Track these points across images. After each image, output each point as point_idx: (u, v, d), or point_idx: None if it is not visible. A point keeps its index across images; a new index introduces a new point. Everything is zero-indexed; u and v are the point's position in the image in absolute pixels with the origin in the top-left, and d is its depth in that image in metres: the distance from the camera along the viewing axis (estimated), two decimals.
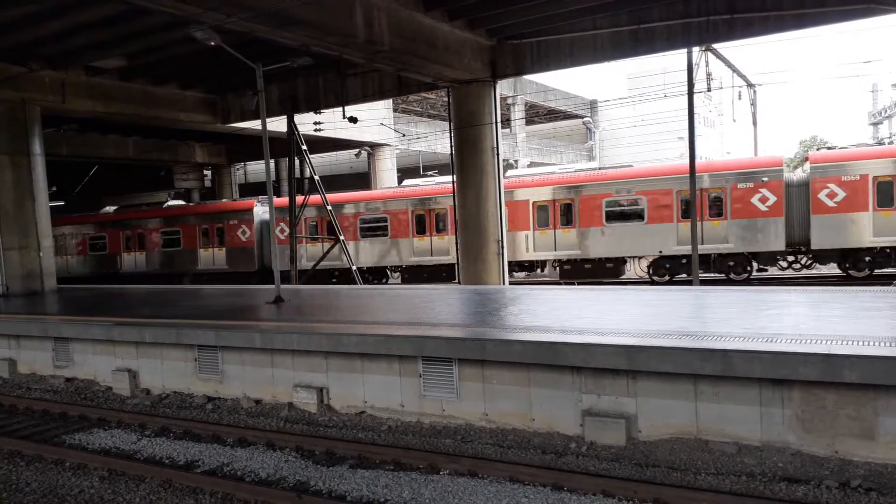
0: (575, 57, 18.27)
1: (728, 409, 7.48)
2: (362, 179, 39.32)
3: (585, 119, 55.10)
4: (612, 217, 23.41)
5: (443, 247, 26.08)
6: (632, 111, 48.93)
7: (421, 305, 12.83)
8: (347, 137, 31.36)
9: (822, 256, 21.61)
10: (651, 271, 23.50)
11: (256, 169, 49.55)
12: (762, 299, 11.12)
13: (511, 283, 21.44)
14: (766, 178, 21.52)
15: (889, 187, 20.06)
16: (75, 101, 21.32)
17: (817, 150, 28.23)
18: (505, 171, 23.07)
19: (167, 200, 39.29)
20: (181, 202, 37.92)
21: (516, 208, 24.66)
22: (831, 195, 20.63)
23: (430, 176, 35.49)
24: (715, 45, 23.70)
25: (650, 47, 17.33)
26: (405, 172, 43.30)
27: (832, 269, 23.09)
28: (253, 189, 45.02)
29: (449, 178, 23.19)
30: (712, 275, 22.43)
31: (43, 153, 21.08)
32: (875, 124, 49.07)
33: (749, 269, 22.15)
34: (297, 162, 24.92)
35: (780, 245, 21.42)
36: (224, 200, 33.99)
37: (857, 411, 6.89)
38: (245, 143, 34.36)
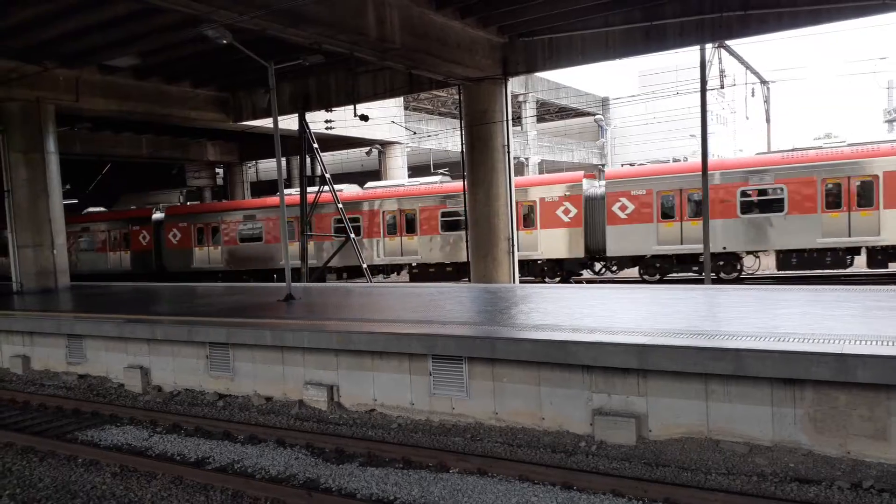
0: (587, 54, 18.18)
1: (739, 409, 7.43)
2: (373, 177, 39.36)
3: (597, 116, 54.88)
4: (448, 227, 25.73)
5: (531, 242, 24.15)
6: (644, 109, 48.69)
7: (431, 303, 12.84)
8: (358, 135, 31.42)
9: (618, 263, 23.92)
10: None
11: (268, 167, 49.74)
12: (774, 298, 11.04)
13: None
14: (568, 193, 24.04)
15: (670, 201, 22.30)
16: (89, 99, 21.49)
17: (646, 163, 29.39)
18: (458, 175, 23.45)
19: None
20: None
21: (373, 217, 27.13)
22: (622, 208, 23.00)
23: (442, 174, 35.46)
24: (728, 42, 23.54)
25: (662, 44, 17.22)
26: (416, 170, 43.32)
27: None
28: (265, 187, 45.20)
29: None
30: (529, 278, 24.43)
31: (57, 151, 21.27)
32: (890, 121, 48.56)
33: (560, 273, 24.54)
34: (308, 160, 25.00)
35: (580, 252, 23.84)
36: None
37: (870, 411, 6.82)
38: (257, 141, 34.51)
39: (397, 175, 37.94)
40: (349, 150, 39.41)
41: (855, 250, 20.61)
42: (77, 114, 23.57)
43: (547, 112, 52.50)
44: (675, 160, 28.60)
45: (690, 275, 22.38)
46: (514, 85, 33.71)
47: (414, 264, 26.33)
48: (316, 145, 24.22)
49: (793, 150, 22.01)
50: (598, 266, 25.11)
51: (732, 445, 7.39)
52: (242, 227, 30.41)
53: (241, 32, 14.28)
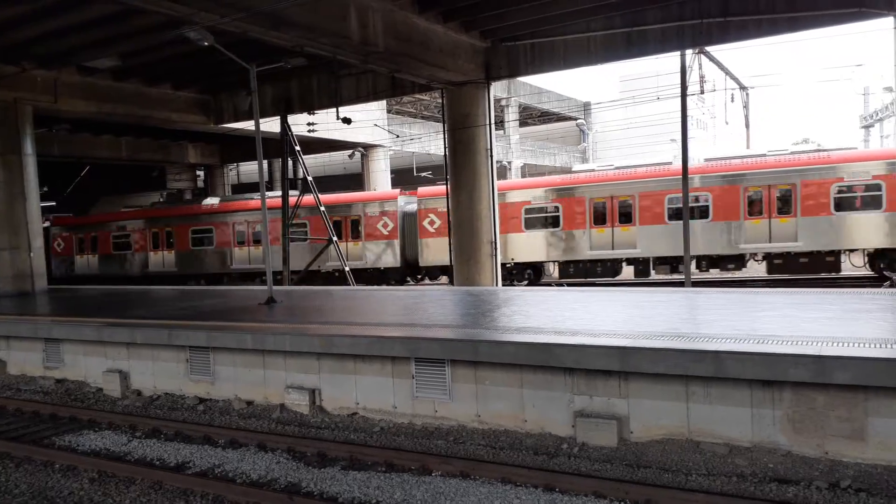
0: (568, 59, 18.30)
1: (719, 411, 7.50)
2: (356, 180, 39.29)
3: (579, 121, 55.22)
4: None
5: (629, 239, 22.78)
6: (625, 113, 49.07)
7: (414, 306, 12.82)
8: (341, 138, 31.32)
9: (430, 271, 25.92)
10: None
11: (250, 169, 49.43)
12: (754, 300, 11.16)
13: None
14: (386, 208, 26.41)
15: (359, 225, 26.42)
16: (68, 100, 21.22)
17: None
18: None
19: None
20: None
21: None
22: (431, 223, 25.48)
23: (426, 176, 35.54)
24: (708, 48, 23.81)
25: (643, 50, 17.38)
26: (399, 174, 43.28)
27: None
28: (246, 190, 44.91)
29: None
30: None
31: (34, 153, 20.98)
32: (866, 127, 49.37)
33: (409, 279, 26.43)
34: (290, 162, 24.87)
35: (397, 262, 26.15)
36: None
37: (848, 412, 6.92)
38: (238, 143, 34.28)
39: (380, 178, 37.88)
40: (331, 153, 39.31)
41: (777, 256, 21.30)
42: (55, 115, 23.30)
43: (529, 116, 52.73)
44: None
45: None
46: (497, 89, 33.89)
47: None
48: (298, 148, 24.12)
49: (720, 158, 22.97)
50: (417, 275, 27.06)
51: (713, 446, 7.45)
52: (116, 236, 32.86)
53: (223, 35, 14.19)
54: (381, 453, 7.93)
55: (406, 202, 26.69)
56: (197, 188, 42.30)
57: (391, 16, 15.80)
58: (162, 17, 14.46)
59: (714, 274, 22.97)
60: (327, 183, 35.73)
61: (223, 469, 7.89)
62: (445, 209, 22.67)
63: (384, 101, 35.83)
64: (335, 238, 24.69)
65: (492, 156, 19.78)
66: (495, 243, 19.96)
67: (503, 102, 45.09)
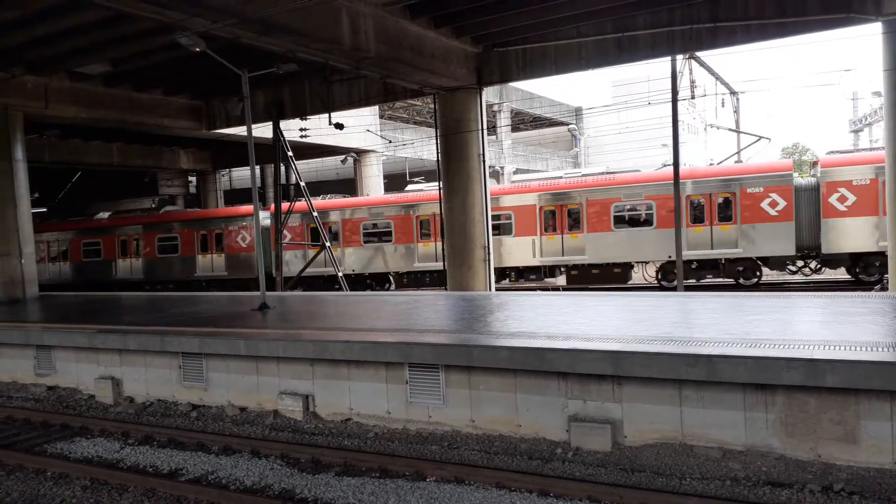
0: (560, 64, 18.37)
1: (712, 414, 7.54)
2: (348, 185, 39.26)
3: (571, 126, 55.43)
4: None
5: (731, 238, 22.17)
6: (616, 118, 49.26)
7: (407, 312, 12.82)
8: (333, 144, 31.29)
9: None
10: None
11: (242, 175, 49.33)
12: (745, 305, 11.22)
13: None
14: (244, 223, 29.15)
15: (371, 226, 26.78)
16: (58, 106, 21.11)
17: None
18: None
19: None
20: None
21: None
22: (284, 236, 26.64)
23: (416, 182, 35.53)
24: (698, 54, 23.99)
25: (634, 55, 17.47)
26: (391, 179, 43.28)
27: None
28: (239, 195, 44.82)
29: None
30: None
31: (25, 159, 20.86)
32: (855, 132, 49.77)
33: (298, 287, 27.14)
34: (282, 168, 24.84)
35: (253, 274, 27.39)
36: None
37: (840, 415, 6.96)
38: (230, 149, 34.20)
39: (373, 184, 37.86)
40: (324, 158, 39.26)
41: (713, 262, 22.25)
42: (46, 121, 23.16)
43: (521, 121, 52.88)
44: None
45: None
46: (489, 94, 33.92)
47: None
48: (290, 153, 24.09)
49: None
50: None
51: (706, 450, 7.48)
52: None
53: (215, 40, 14.17)
54: (376, 459, 7.92)
55: (266, 217, 27.46)
56: (189, 194, 42.16)
57: (383, 21, 15.83)
58: (153, 23, 14.42)
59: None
60: (318, 189, 35.60)
61: (217, 476, 7.86)
62: (295, 224, 26.61)
63: (377, 107, 35.86)
64: (328, 244, 24.65)
65: (484, 161, 19.81)
66: (488, 248, 19.98)
67: (495, 108, 45.20)
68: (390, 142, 38.17)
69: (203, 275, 30.39)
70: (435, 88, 19.44)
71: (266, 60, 16.06)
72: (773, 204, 21.18)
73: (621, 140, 50.60)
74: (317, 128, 25.39)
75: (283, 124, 23.99)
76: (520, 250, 24.19)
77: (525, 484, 6.96)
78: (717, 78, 32.33)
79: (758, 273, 22.03)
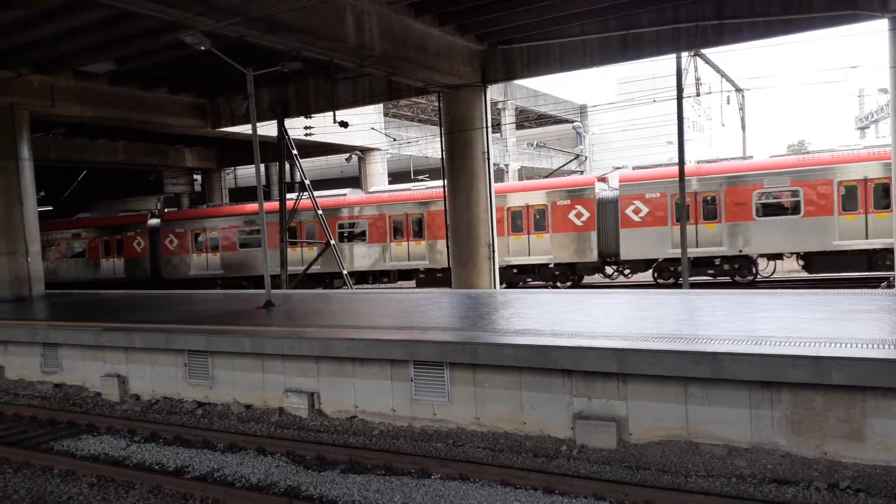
0: (564, 62, 18.35)
1: (718, 412, 7.52)
2: (353, 183, 39.27)
3: (575, 123, 55.31)
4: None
5: (545, 246, 24.25)
6: (621, 116, 49.13)
7: (412, 310, 12.83)
8: (338, 142, 31.32)
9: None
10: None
11: (247, 173, 49.39)
12: (751, 302, 11.19)
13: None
14: (139, 229, 32.42)
15: (296, 232, 27.97)
16: (64, 105, 21.18)
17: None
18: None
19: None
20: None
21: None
22: (171, 241, 31.37)
23: (422, 180, 35.60)
24: (703, 51, 23.87)
25: (639, 53, 17.44)
26: (396, 177, 43.28)
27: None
28: (243, 194, 44.87)
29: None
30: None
31: (31, 158, 20.93)
32: (862, 128, 49.52)
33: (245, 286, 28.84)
34: (287, 166, 24.86)
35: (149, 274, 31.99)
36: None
37: (846, 413, 6.94)
38: (235, 147, 34.23)
39: (377, 182, 37.88)
40: (328, 157, 39.29)
41: (533, 268, 24.44)
42: (52, 120, 23.24)
43: (526, 119, 52.79)
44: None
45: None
46: (493, 92, 33.89)
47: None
48: (295, 151, 24.11)
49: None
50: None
51: (712, 448, 7.47)
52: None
53: (219, 39, 14.19)
54: (381, 456, 7.93)
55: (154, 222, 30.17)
56: (194, 192, 42.23)
57: (387, 19, 15.83)
58: (157, 22, 14.46)
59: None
60: (323, 187, 35.64)
61: (222, 473, 7.89)
62: (182, 230, 29.92)
63: (381, 105, 35.85)
64: (333, 242, 24.67)
65: (489, 158, 19.81)
66: (493, 246, 19.98)
67: (500, 105, 45.14)
68: (395, 140, 38.17)
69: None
70: (439, 86, 19.44)
71: (271, 59, 16.07)
72: (579, 215, 23.42)
73: (626, 137, 50.50)
74: (321, 126, 25.43)
75: (288, 122, 24.02)
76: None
77: (530, 481, 6.96)
78: (723, 75, 32.17)
79: (573, 279, 24.25)
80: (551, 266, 24.06)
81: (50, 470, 8.38)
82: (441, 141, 20.37)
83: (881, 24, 15.58)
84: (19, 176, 20.41)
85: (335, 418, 9.93)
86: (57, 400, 12.33)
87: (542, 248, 24.03)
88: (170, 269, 31.71)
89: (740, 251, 21.29)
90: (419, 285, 26.35)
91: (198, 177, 41.99)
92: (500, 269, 21.42)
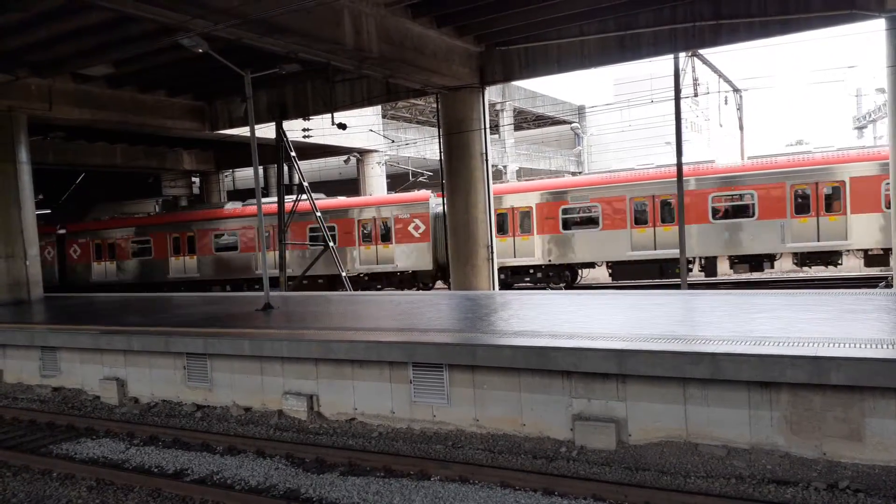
0: (562, 63, 18.37)
1: (717, 412, 7.52)
2: (352, 185, 39.28)
3: (573, 125, 55.34)
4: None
5: (389, 255, 26.11)
6: (619, 116, 49.17)
7: (411, 311, 12.83)
8: (336, 144, 31.34)
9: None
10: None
11: (245, 175, 49.36)
12: (749, 302, 11.20)
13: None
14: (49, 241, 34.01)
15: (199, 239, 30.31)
16: (62, 108, 21.18)
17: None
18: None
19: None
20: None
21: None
22: (74, 251, 33.59)
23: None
24: (701, 51, 23.90)
25: (637, 53, 17.45)
26: (395, 178, 43.30)
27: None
28: (242, 196, 44.85)
29: None
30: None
31: (29, 161, 20.93)
32: (859, 128, 49.59)
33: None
34: (285, 168, 24.86)
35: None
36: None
37: (845, 413, 6.95)
38: (234, 149, 34.24)
39: (376, 183, 37.87)
40: (327, 158, 39.28)
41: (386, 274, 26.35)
42: (50, 123, 23.24)
43: (524, 120, 52.83)
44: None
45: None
46: (492, 93, 33.95)
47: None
48: (294, 153, 24.11)
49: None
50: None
51: (711, 448, 7.47)
52: None
53: (217, 41, 14.21)
54: (380, 458, 7.92)
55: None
56: (193, 194, 42.21)
57: (385, 21, 15.84)
58: (155, 25, 14.48)
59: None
60: (321, 189, 35.65)
61: (222, 476, 7.88)
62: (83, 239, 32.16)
63: (379, 107, 35.87)
64: (332, 244, 24.67)
65: (487, 160, 19.82)
66: (491, 247, 19.99)
67: (498, 107, 45.17)
68: (393, 141, 38.18)
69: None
70: (437, 88, 19.45)
71: (269, 61, 16.08)
72: (417, 227, 25.57)
73: (624, 138, 50.53)
74: (320, 128, 25.41)
75: (286, 124, 24.02)
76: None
77: (529, 483, 6.96)
78: (720, 75, 32.23)
79: (417, 286, 25.97)
80: (398, 273, 26.34)
81: (49, 473, 8.38)
82: (439, 142, 20.38)
83: (878, 24, 15.61)
84: (17, 179, 20.40)
85: (334, 420, 9.93)
86: (56, 403, 12.32)
87: (387, 257, 26.22)
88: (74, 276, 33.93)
89: (549, 261, 23.74)
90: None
91: (196, 179, 41.96)
92: (350, 277, 24.72)
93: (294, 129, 25.49)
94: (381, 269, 26.37)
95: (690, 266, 21.99)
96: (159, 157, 34.76)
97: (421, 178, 41.08)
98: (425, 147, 40.51)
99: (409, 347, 9.23)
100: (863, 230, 19.87)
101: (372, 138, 35.54)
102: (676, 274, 22.03)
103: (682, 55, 18.58)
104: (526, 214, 24.00)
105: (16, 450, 9.26)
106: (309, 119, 23.82)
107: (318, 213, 24.59)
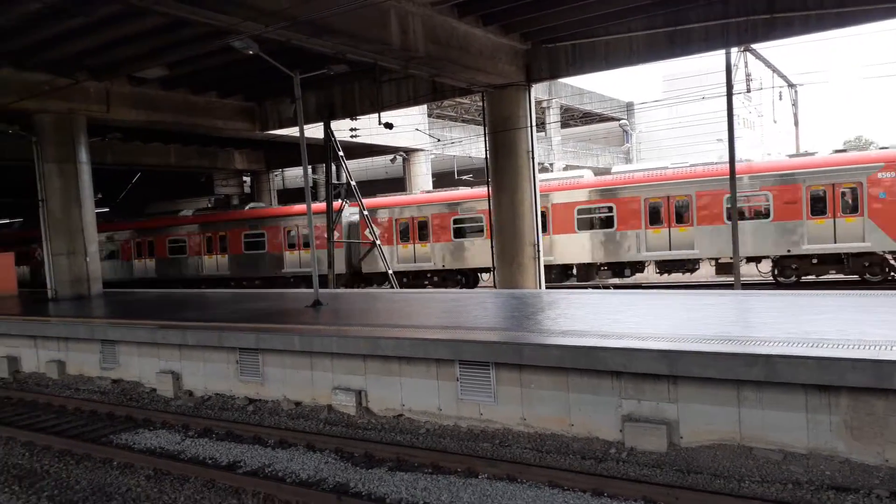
0: (610, 59, 18.12)
1: (772, 416, 7.34)
2: (398, 184, 39.53)
3: (622, 122, 54.56)
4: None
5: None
6: (669, 113, 48.30)
7: (457, 310, 12.85)
8: (383, 143, 31.60)
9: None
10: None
11: (294, 174, 50.11)
12: (804, 303, 10.88)
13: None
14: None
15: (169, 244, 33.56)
16: (119, 110, 21.87)
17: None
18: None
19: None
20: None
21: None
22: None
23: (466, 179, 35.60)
24: (754, 46, 23.27)
25: (686, 49, 17.09)
26: (440, 177, 43.41)
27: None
28: (291, 195, 45.58)
29: None
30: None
31: (89, 161, 21.67)
32: None
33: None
34: (333, 168, 25.18)
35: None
36: None
37: None
38: (283, 149, 34.81)
39: (422, 182, 38.02)
40: (374, 158, 39.61)
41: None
42: (108, 124, 24.01)
43: (571, 117, 52.34)
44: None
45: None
46: (538, 91, 33.67)
47: None
48: (341, 153, 24.40)
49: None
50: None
51: (766, 452, 7.29)
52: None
53: (266, 43, 14.46)
54: (428, 455, 7.97)
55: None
56: (244, 193, 43.08)
57: (431, 20, 15.89)
58: (207, 28, 14.82)
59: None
60: (368, 188, 36.00)
61: (273, 468, 8.04)
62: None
63: (425, 106, 36.00)
64: (379, 242, 24.89)
65: (533, 157, 19.70)
66: (538, 245, 19.87)
67: (544, 104, 44.86)
68: (439, 140, 38.28)
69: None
70: (483, 86, 19.42)
71: (317, 62, 16.31)
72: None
73: (674, 135, 49.62)
74: (366, 127, 25.67)
75: (334, 124, 24.33)
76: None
77: (578, 483, 6.91)
78: (774, 70, 31.30)
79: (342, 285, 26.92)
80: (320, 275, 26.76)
81: (109, 462, 8.68)
82: (485, 140, 20.34)
83: None
84: (78, 179, 21.15)
85: (382, 416, 10.02)
86: (115, 395, 12.75)
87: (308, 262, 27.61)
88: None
89: (443, 266, 26.12)
90: None
91: (247, 178, 42.80)
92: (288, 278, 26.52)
93: (341, 129, 25.78)
94: (301, 272, 28.37)
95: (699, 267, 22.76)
96: (211, 156, 35.59)
97: (466, 177, 41.07)
98: (471, 145, 40.49)
99: (455, 345, 9.26)
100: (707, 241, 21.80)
101: (418, 137, 35.71)
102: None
103: (733, 50, 18.11)
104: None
105: (78, 439, 9.63)
106: (356, 119, 24.07)
107: (366, 212, 24.84)
